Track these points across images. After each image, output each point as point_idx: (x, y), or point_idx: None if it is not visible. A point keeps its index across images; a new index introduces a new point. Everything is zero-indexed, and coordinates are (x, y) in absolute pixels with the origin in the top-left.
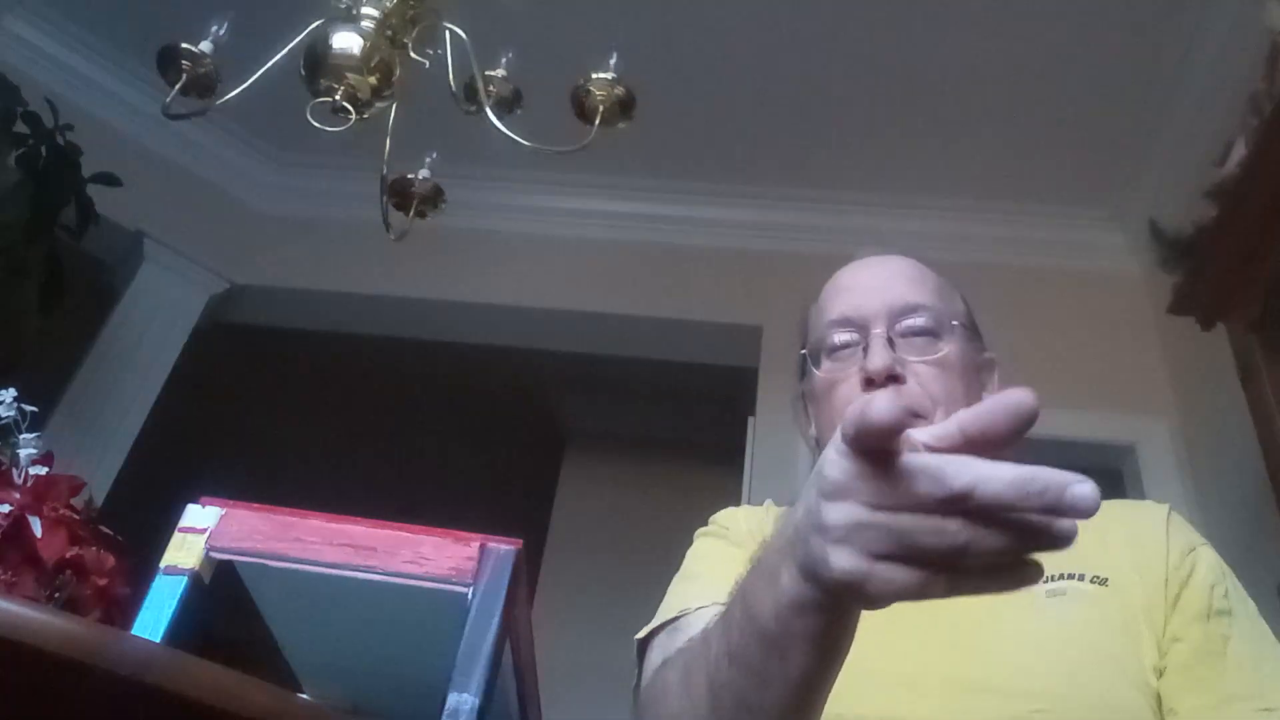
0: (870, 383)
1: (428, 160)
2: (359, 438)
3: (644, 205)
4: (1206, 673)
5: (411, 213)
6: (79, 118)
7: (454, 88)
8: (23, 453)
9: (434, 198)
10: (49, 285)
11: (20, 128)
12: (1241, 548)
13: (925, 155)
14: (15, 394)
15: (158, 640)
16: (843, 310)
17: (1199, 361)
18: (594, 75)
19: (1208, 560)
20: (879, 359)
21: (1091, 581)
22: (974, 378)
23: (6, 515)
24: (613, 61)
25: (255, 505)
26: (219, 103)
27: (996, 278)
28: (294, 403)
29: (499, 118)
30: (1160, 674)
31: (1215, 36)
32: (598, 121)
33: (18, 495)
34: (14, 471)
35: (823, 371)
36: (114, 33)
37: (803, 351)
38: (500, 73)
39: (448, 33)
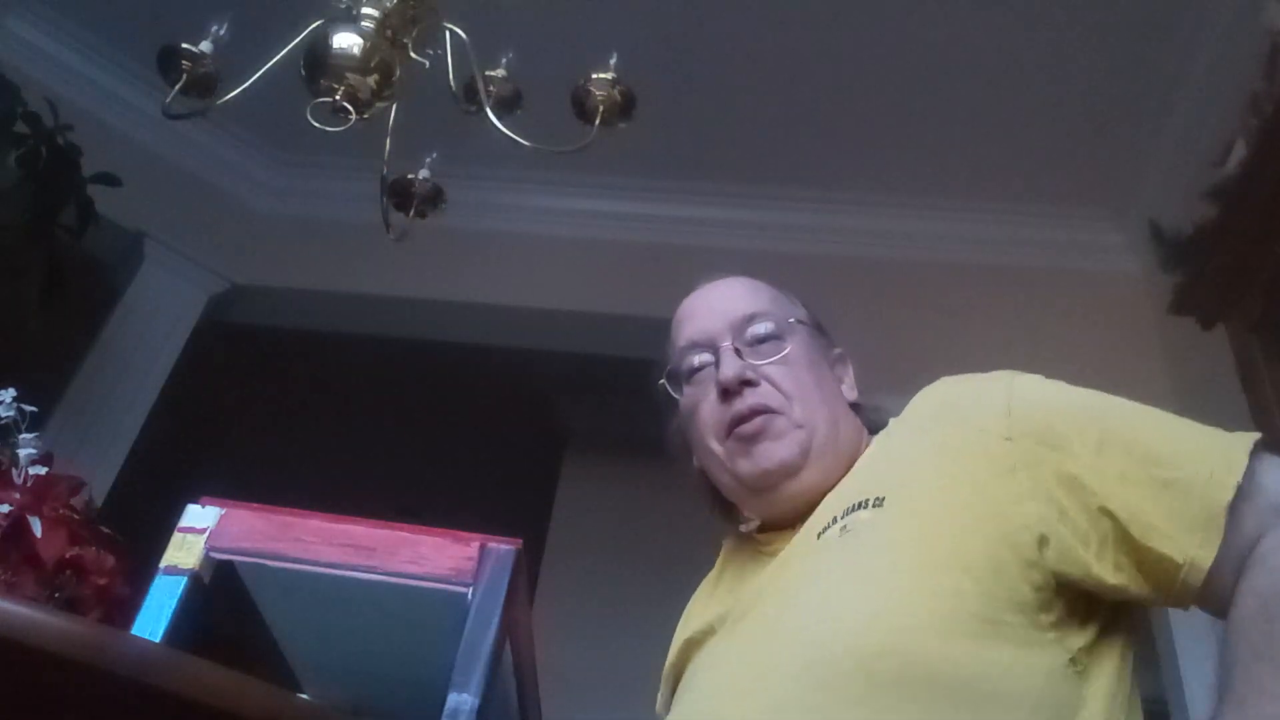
0: (726, 393)
1: (428, 160)
2: (359, 438)
3: (644, 205)
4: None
5: (411, 213)
6: (79, 118)
7: (454, 88)
8: (23, 453)
9: (434, 198)
10: (49, 285)
11: (20, 128)
12: None
13: (925, 155)
14: (15, 394)
15: (158, 640)
16: (690, 335)
17: (1199, 361)
18: (594, 75)
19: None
20: (729, 369)
21: (859, 509)
22: (825, 370)
23: (6, 515)
24: (613, 61)
25: (255, 505)
26: (219, 103)
27: (996, 278)
28: (294, 402)
29: (499, 118)
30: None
31: (1215, 36)
32: (598, 121)
33: (18, 495)
34: (14, 471)
35: (685, 396)
36: (114, 33)
37: (661, 381)
38: (500, 73)
39: (448, 33)
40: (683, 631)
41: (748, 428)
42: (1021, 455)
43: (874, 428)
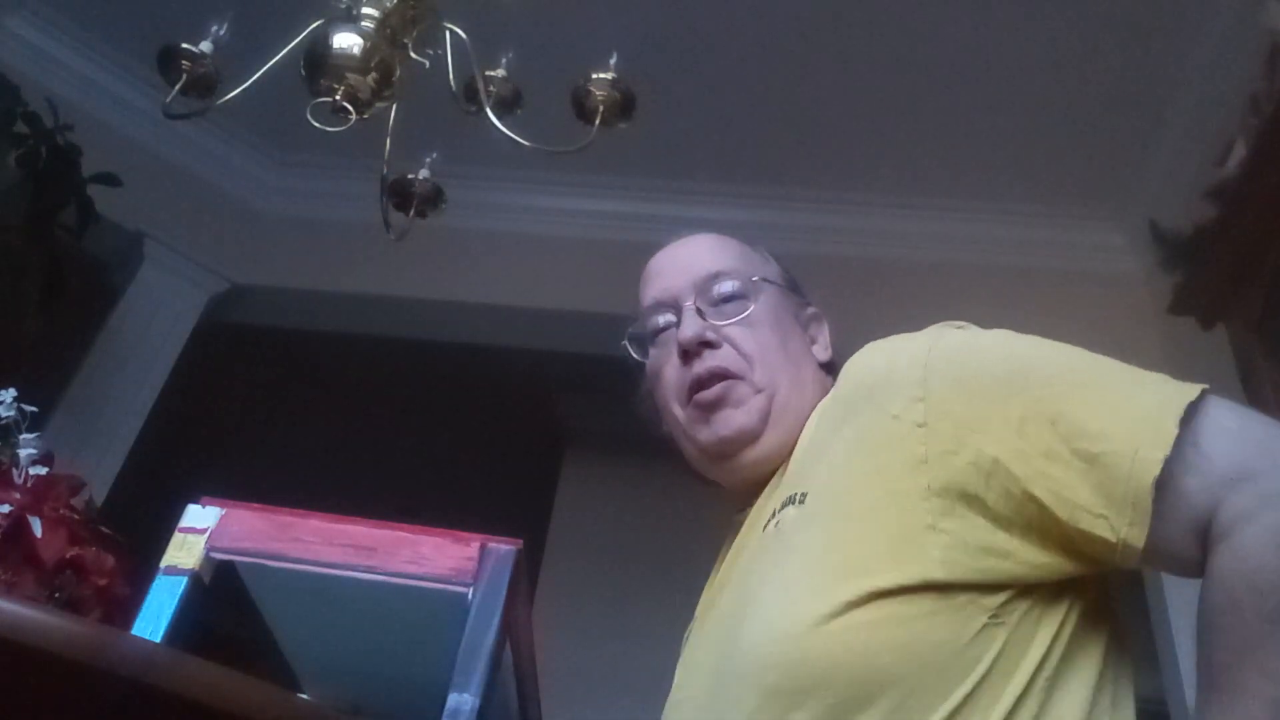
0: (686, 354)
1: (428, 160)
2: (359, 438)
3: (644, 205)
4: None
5: (411, 213)
6: (79, 118)
7: (454, 88)
8: (23, 453)
9: (434, 198)
10: (49, 285)
11: (20, 128)
12: None
13: (925, 155)
14: (15, 394)
15: (158, 640)
16: (654, 295)
17: (1199, 361)
18: (594, 75)
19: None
20: (688, 329)
21: (790, 504)
22: (793, 329)
23: (6, 515)
24: (613, 61)
25: (255, 505)
26: (219, 103)
27: (997, 278)
28: (294, 403)
29: (499, 118)
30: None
31: (1215, 36)
32: (598, 121)
33: (18, 495)
34: (14, 471)
35: (650, 359)
36: (114, 33)
37: (623, 342)
38: (500, 73)
39: (448, 33)
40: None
41: (706, 395)
42: (936, 443)
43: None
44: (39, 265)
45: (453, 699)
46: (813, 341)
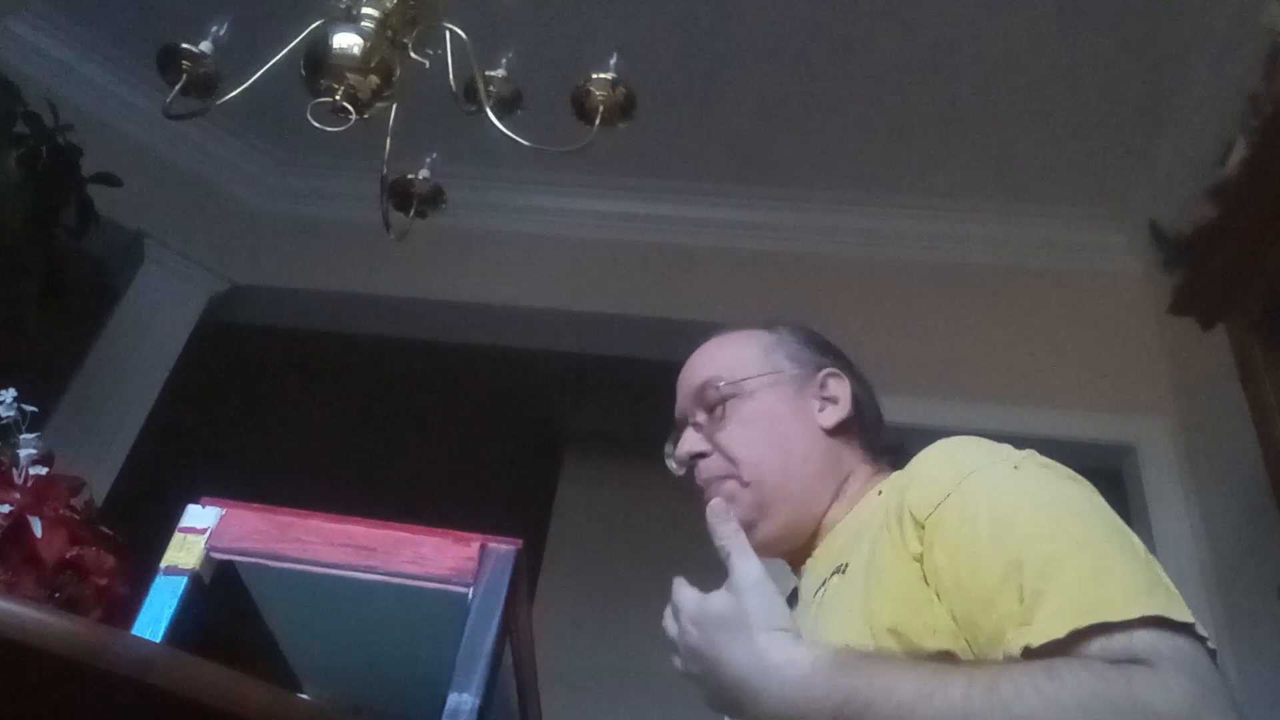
0: (688, 468)
1: (428, 160)
2: (358, 438)
3: (644, 205)
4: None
5: (412, 213)
6: (79, 118)
7: (454, 88)
8: (23, 453)
9: (434, 198)
10: (49, 285)
11: (20, 128)
12: (1242, 548)
13: (925, 155)
14: (15, 394)
15: (158, 640)
16: (676, 413)
17: (1199, 361)
18: (594, 75)
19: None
20: (682, 447)
21: (837, 573)
22: (788, 412)
23: (6, 515)
24: (613, 61)
25: (255, 505)
26: (219, 103)
27: (997, 277)
28: (294, 403)
29: (499, 118)
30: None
31: (1215, 36)
32: (598, 122)
33: (18, 495)
34: (14, 471)
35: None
36: (114, 33)
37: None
38: (500, 73)
39: (448, 33)
40: None
41: (706, 498)
42: (925, 572)
43: (872, 442)
44: (39, 265)
45: (453, 699)
46: (819, 409)
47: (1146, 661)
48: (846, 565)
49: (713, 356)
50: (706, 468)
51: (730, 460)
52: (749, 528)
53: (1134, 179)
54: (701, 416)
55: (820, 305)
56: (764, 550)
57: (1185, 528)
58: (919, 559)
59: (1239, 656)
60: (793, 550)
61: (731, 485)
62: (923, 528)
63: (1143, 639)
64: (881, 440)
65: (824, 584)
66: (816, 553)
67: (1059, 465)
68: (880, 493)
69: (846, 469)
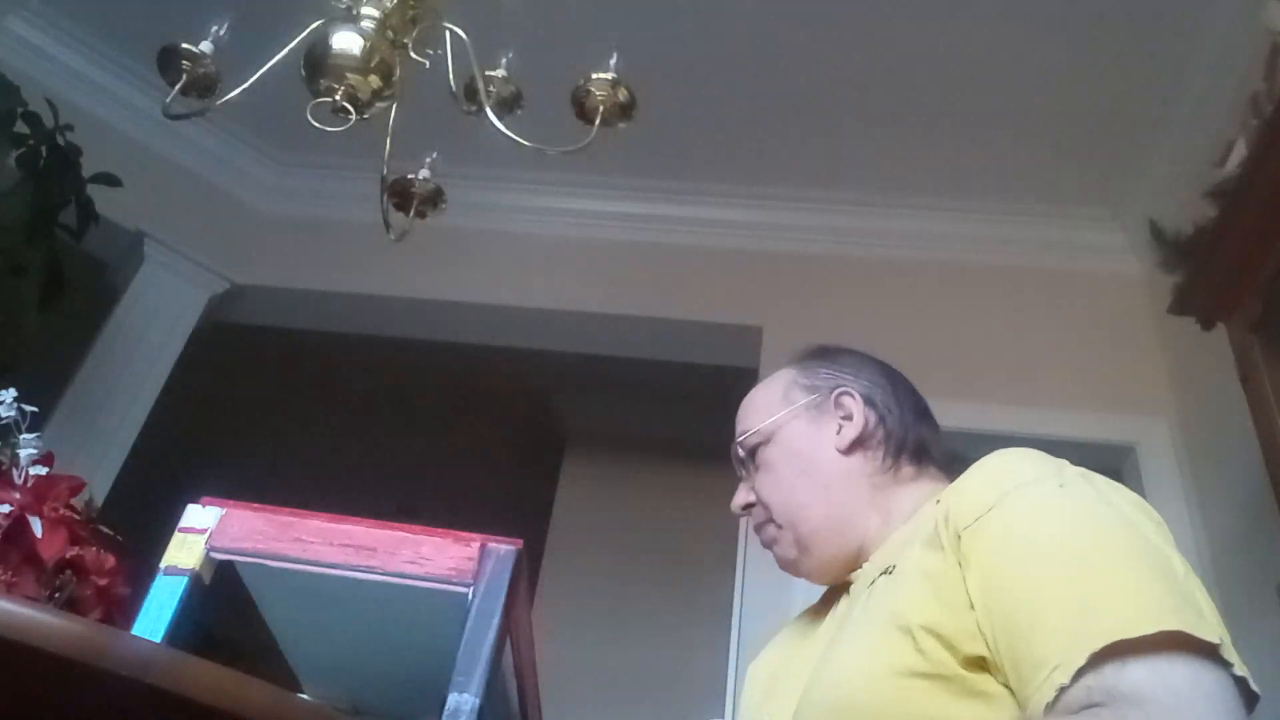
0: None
1: (428, 161)
2: (359, 438)
3: (644, 205)
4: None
5: (411, 213)
6: (79, 118)
7: (454, 88)
8: (23, 453)
9: (434, 198)
10: (49, 285)
11: (20, 128)
12: (1242, 548)
13: (925, 155)
14: (15, 394)
15: (158, 640)
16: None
17: (1199, 361)
18: (594, 75)
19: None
20: (735, 501)
21: (884, 574)
22: (809, 447)
23: (6, 515)
24: (613, 61)
25: (255, 505)
26: (219, 103)
27: (997, 278)
28: (294, 403)
29: (499, 118)
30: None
31: (1215, 36)
32: (598, 122)
33: (18, 495)
34: (14, 471)
35: None
36: (114, 33)
37: None
38: (500, 73)
39: (448, 33)
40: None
41: (761, 541)
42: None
43: (901, 447)
44: (39, 265)
45: (453, 699)
46: (839, 429)
47: (1117, 704)
48: (894, 567)
49: (746, 409)
50: (755, 516)
51: (765, 506)
52: (794, 566)
53: (1134, 179)
54: (746, 469)
55: (820, 305)
56: (822, 578)
57: (1185, 527)
58: (960, 566)
59: (1238, 656)
60: (851, 569)
61: (772, 530)
62: (959, 538)
63: (1136, 675)
64: (915, 440)
65: (871, 584)
66: (870, 562)
67: (1108, 484)
68: (939, 501)
69: (876, 481)
